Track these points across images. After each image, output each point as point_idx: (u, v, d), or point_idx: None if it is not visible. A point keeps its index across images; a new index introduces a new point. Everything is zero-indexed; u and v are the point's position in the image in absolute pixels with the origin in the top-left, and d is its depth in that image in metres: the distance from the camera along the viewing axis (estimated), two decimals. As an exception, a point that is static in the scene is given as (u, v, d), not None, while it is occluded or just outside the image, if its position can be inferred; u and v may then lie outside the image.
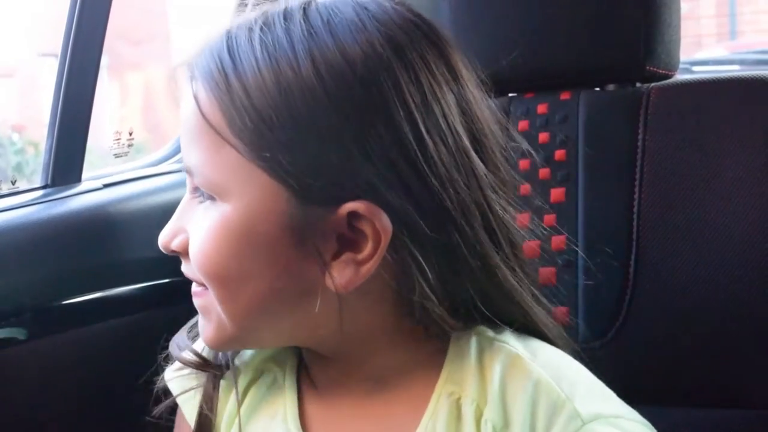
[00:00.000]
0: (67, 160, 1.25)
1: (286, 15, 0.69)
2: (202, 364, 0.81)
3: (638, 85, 1.11)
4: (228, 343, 0.74)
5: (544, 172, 1.06)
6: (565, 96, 1.10)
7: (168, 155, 1.47)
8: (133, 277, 1.27)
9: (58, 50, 1.22)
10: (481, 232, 0.69)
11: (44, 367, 1.17)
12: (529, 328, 0.74)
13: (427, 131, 0.67)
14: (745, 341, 1.00)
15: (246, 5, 0.74)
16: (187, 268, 0.73)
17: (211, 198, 0.70)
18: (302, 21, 0.68)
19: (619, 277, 1.02)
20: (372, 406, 0.75)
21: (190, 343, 0.81)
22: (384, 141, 0.65)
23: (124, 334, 1.25)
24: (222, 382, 0.81)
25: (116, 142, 1.38)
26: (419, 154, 0.66)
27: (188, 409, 0.82)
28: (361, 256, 0.67)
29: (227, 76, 0.67)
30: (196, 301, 0.74)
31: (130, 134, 1.41)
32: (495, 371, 0.70)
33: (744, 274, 0.99)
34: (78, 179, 1.26)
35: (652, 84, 1.09)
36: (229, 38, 0.69)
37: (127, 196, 1.29)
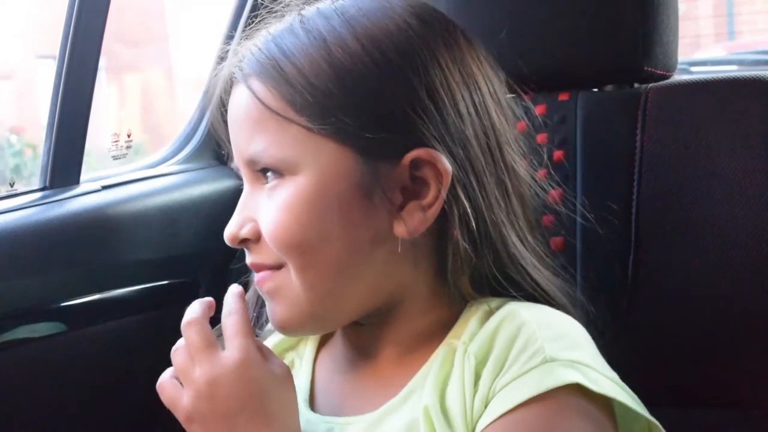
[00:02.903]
0: (65, 161, 1.25)
1: (320, 11, 0.80)
2: None
3: (636, 85, 1.11)
4: (303, 321, 0.80)
5: (542, 173, 1.06)
6: (563, 97, 1.10)
7: (166, 157, 1.47)
8: (131, 279, 1.27)
9: (57, 52, 1.22)
10: (495, 187, 0.78)
11: (43, 368, 1.17)
12: (535, 298, 0.80)
13: (458, 87, 0.78)
14: (744, 341, 1.00)
15: (256, 18, 0.83)
16: (254, 256, 0.79)
17: (279, 176, 0.77)
18: (336, 12, 0.79)
19: (617, 278, 1.02)
20: (377, 374, 0.81)
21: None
22: (423, 97, 0.76)
23: (123, 336, 1.25)
24: None
25: (114, 143, 1.37)
26: (451, 108, 0.77)
27: None
28: (425, 201, 0.77)
29: (280, 65, 0.77)
30: (265, 287, 0.79)
31: (129, 136, 1.41)
32: (491, 322, 0.77)
33: (742, 275, 0.99)
34: (76, 181, 1.26)
35: (650, 84, 1.09)
36: (274, 38, 0.79)
37: (125, 197, 1.29)
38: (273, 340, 0.90)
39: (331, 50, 0.76)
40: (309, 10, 0.80)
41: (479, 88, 0.79)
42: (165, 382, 0.78)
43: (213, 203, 1.38)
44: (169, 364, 0.79)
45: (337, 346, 0.87)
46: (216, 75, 0.84)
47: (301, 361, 0.89)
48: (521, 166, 0.82)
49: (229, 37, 1.42)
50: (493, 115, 0.80)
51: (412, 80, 0.76)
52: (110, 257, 1.25)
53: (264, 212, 0.78)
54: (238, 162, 0.81)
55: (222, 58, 0.85)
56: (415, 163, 0.76)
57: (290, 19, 0.80)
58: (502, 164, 0.80)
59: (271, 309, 0.80)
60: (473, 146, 0.77)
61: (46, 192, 1.23)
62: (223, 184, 1.42)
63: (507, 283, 0.79)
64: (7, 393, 1.13)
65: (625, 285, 1.01)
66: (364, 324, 0.82)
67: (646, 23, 1.06)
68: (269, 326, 0.87)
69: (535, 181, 0.85)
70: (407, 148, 0.76)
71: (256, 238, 0.79)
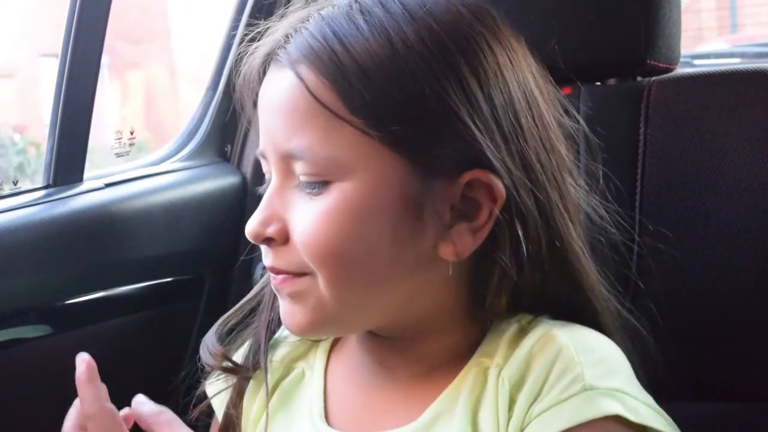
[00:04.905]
0: (68, 159, 1.25)
1: (381, 1, 0.72)
2: (231, 368, 0.82)
3: (639, 79, 1.11)
4: (322, 326, 0.75)
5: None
6: (566, 91, 1.09)
7: (170, 154, 1.47)
8: (135, 276, 1.27)
9: (59, 50, 1.22)
10: (556, 209, 0.73)
11: (46, 366, 1.17)
12: (583, 318, 0.76)
13: (520, 104, 0.72)
14: (748, 334, 1.00)
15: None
16: (276, 259, 0.73)
17: (322, 184, 0.70)
18: (399, 5, 0.72)
19: (621, 272, 1.02)
20: (399, 389, 0.77)
21: (219, 346, 0.82)
22: (486, 111, 0.70)
23: (127, 333, 1.25)
24: (251, 381, 0.83)
25: (117, 141, 1.38)
26: (515, 126, 0.71)
27: (218, 409, 0.84)
28: (476, 224, 0.71)
29: (337, 56, 0.69)
30: (286, 290, 0.74)
31: (132, 133, 1.41)
32: (526, 343, 0.72)
33: (745, 267, 0.99)
34: (80, 179, 1.26)
35: (653, 78, 1.09)
36: (328, 22, 0.72)
37: (129, 195, 1.29)
38: (282, 351, 0.85)
39: (394, 47, 0.69)
40: None
41: (541, 113, 0.75)
42: None
43: (217, 200, 1.39)
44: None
45: (352, 355, 0.81)
46: (250, 53, 0.76)
47: (312, 371, 0.83)
48: (578, 194, 0.78)
49: (233, 29, 1.41)
50: (552, 137, 0.75)
51: (475, 92, 0.70)
52: (114, 254, 1.25)
53: (300, 216, 0.71)
54: (267, 151, 0.74)
55: (251, 39, 0.77)
56: (470, 184, 0.71)
57: (344, 3, 0.73)
58: (562, 185, 0.75)
59: (289, 311, 0.74)
60: (534, 168, 0.72)
61: (50, 190, 1.24)
62: (227, 180, 1.42)
63: (567, 309, 0.76)
64: (10, 390, 1.14)
65: (629, 278, 1.01)
66: (384, 336, 0.77)
67: (649, 16, 1.06)
68: (278, 333, 0.85)
69: (597, 214, 0.82)
70: (466, 166, 0.70)
71: (283, 240, 0.72)
